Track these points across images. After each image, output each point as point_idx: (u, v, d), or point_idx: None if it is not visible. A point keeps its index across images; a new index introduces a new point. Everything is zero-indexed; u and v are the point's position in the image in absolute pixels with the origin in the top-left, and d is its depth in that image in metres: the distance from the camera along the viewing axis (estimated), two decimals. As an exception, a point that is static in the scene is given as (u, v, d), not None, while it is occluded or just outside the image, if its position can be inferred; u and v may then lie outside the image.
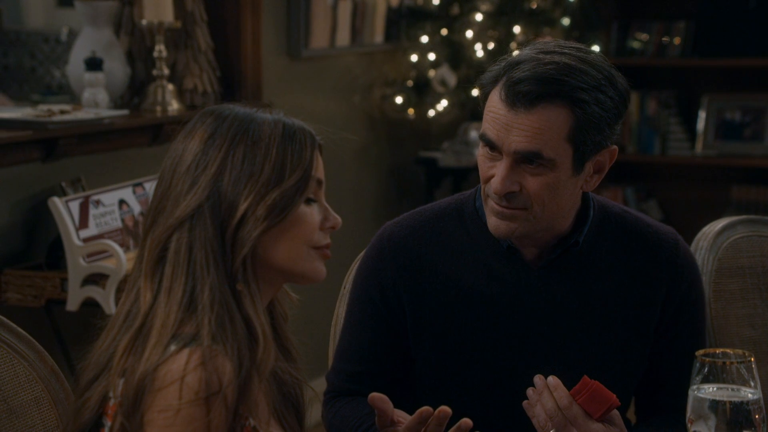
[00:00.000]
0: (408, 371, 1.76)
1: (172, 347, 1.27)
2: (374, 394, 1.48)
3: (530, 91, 1.59)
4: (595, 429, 1.53)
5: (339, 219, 1.40)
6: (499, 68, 1.65)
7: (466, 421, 1.48)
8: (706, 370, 1.44)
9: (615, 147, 1.68)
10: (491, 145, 1.64)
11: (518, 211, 1.64)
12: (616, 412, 1.57)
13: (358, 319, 1.77)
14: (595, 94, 1.61)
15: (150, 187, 3.15)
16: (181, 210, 1.32)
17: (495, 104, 1.63)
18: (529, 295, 1.70)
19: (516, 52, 1.68)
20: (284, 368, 1.40)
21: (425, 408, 1.47)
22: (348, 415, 1.72)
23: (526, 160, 1.61)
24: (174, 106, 3.37)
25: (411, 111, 4.50)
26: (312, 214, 1.37)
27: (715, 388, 1.43)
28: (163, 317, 1.29)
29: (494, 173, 1.64)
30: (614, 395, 1.54)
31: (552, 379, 1.55)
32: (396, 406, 1.56)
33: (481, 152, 1.67)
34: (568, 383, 1.54)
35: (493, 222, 1.66)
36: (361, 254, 1.83)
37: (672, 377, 1.75)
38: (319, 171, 1.38)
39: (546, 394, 1.54)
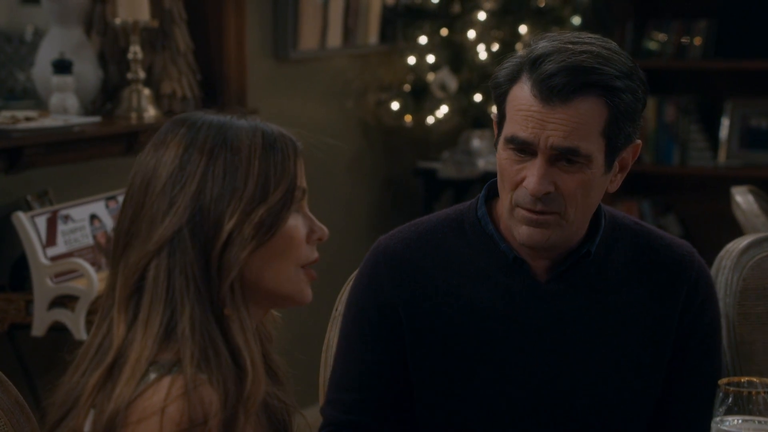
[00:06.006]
0: (410, 396, 1.76)
1: (152, 375, 1.27)
2: None
3: (567, 83, 1.61)
4: None
5: (326, 229, 1.41)
6: (516, 64, 1.66)
7: None
8: (730, 400, 1.44)
9: (639, 142, 1.71)
10: (523, 146, 1.64)
11: (551, 216, 1.65)
12: None
13: (354, 343, 1.76)
14: (628, 82, 1.65)
15: (124, 200, 3.14)
16: (159, 234, 1.31)
17: (525, 102, 1.64)
18: (537, 308, 1.71)
19: (522, 48, 1.69)
20: (272, 393, 1.40)
21: None
22: None
23: (561, 157, 1.63)
24: (150, 112, 3.37)
25: (408, 118, 4.50)
26: (298, 227, 1.37)
27: (740, 421, 1.43)
28: (138, 351, 1.29)
29: (525, 175, 1.64)
30: None
31: None
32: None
33: (505, 156, 1.67)
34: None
35: (525, 232, 1.66)
36: (354, 273, 1.84)
37: (684, 405, 1.76)
38: (303, 180, 1.39)
39: None
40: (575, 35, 1.67)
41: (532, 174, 1.63)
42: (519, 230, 1.67)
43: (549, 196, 1.64)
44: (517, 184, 1.66)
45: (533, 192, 1.63)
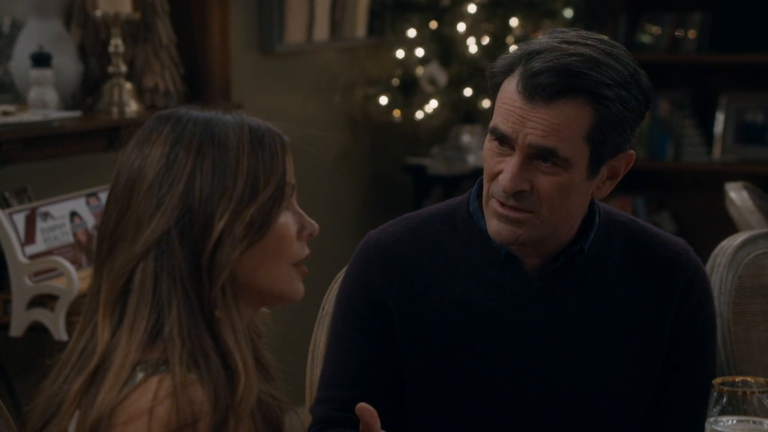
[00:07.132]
0: (401, 392, 1.76)
1: (139, 375, 1.27)
2: (362, 405, 1.47)
3: (551, 84, 1.61)
4: None
5: (316, 225, 1.41)
6: (514, 56, 1.67)
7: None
8: (724, 400, 1.44)
9: (632, 152, 1.70)
10: (502, 139, 1.65)
11: (524, 215, 1.65)
12: None
13: (345, 338, 1.77)
14: (619, 91, 1.63)
15: (106, 198, 3.14)
16: (146, 236, 1.30)
17: (510, 96, 1.65)
18: (529, 306, 1.72)
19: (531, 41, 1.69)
20: (265, 390, 1.40)
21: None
22: None
23: (539, 156, 1.63)
24: (132, 107, 3.36)
25: (397, 113, 4.50)
26: (289, 225, 1.37)
27: (734, 421, 1.44)
28: (122, 356, 1.28)
29: (503, 169, 1.65)
30: None
31: None
32: (390, 430, 1.55)
33: (488, 146, 1.68)
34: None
35: (494, 226, 1.67)
36: (343, 270, 1.84)
37: (678, 405, 1.76)
38: (292, 176, 1.38)
39: None
40: (579, 34, 1.67)
41: (507, 170, 1.64)
42: (490, 224, 1.68)
43: (522, 195, 1.64)
44: (495, 176, 1.67)
45: (504, 188, 1.64)
